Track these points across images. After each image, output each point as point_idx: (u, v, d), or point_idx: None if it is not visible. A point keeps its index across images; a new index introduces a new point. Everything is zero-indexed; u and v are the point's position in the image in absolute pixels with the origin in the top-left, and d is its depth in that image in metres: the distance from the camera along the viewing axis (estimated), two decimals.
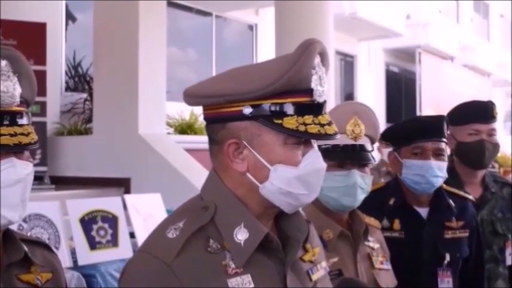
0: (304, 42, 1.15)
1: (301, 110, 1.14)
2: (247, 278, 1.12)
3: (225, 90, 1.15)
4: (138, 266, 1.13)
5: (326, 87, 1.17)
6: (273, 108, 1.13)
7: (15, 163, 1.27)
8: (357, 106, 1.83)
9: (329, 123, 1.16)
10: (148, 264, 1.10)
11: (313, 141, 1.19)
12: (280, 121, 1.13)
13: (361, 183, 1.76)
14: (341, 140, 1.74)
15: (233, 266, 1.12)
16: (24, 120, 1.29)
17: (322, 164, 1.19)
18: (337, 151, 1.76)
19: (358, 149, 1.77)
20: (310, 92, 1.14)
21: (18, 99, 1.28)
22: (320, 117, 1.15)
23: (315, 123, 1.14)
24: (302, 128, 1.12)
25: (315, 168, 1.17)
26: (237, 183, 1.18)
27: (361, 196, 1.78)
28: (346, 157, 1.76)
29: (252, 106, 1.13)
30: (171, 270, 1.07)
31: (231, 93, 1.14)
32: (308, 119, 1.13)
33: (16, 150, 1.27)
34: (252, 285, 1.12)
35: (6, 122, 1.25)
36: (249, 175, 1.16)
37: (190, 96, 1.20)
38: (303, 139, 1.15)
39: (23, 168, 1.29)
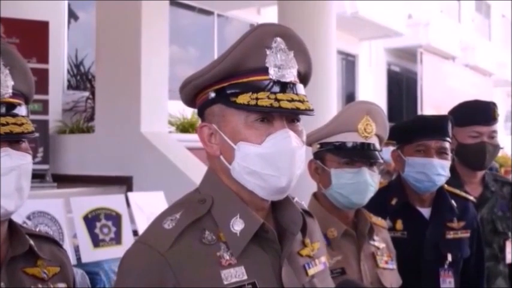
0: (256, 25, 1.21)
1: (256, 87, 1.16)
2: (240, 270, 1.14)
3: (191, 77, 1.23)
4: (134, 256, 1.16)
5: (294, 70, 1.19)
6: (231, 89, 1.18)
7: (10, 153, 1.27)
8: (369, 105, 1.84)
9: (291, 100, 1.15)
10: (144, 254, 1.13)
11: (285, 123, 1.17)
12: (235, 99, 1.16)
13: (370, 182, 1.78)
14: (352, 137, 1.77)
15: (227, 257, 1.14)
16: (18, 111, 1.31)
17: (288, 146, 1.15)
18: (347, 148, 1.79)
19: (369, 147, 1.79)
20: (265, 70, 1.16)
21: (10, 91, 1.30)
22: (281, 94, 1.16)
23: (269, 98, 1.14)
24: (253, 102, 1.14)
25: (279, 149, 1.15)
26: (220, 170, 1.22)
27: (369, 194, 1.80)
28: (356, 155, 1.78)
29: (215, 91, 1.20)
30: (165, 260, 1.10)
31: (193, 77, 1.22)
32: (263, 95, 1.15)
33: (7, 139, 1.27)
34: (246, 277, 1.13)
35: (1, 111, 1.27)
36: (221, 158, 1.20)
37: (180, 94, 1.28)
38: (263, 116, 1.16)
39: (18, 158, 1.29)
